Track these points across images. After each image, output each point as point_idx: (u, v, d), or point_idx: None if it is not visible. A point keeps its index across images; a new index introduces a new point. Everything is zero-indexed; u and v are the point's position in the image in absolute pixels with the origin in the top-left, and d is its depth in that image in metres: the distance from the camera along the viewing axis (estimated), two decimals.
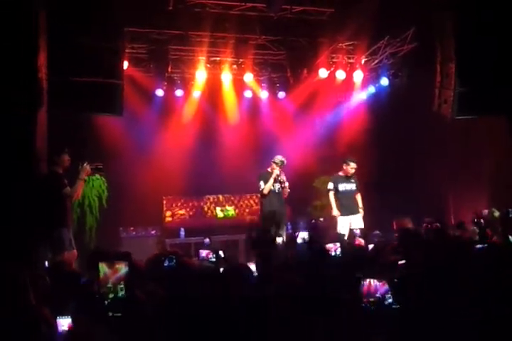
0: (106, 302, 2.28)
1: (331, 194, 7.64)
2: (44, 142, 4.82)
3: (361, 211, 7.65)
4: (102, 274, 2.31)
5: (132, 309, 2.24)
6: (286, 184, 7.18)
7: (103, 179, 8.90)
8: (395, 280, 2.55)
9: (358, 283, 2.48)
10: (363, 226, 7.55)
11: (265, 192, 7.13)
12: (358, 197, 7.78)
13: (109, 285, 2.31)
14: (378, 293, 2.44)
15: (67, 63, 5.10)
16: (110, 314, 2.23)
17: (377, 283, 2.45)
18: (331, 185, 7.67)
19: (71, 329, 2.58)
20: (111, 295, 2.29)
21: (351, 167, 7.58)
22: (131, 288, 2.34)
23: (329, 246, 4.54)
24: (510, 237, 4.32)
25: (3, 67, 4.31)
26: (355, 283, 2.50)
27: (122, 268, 2.34)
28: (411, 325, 2.28)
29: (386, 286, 2.45)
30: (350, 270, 3.22)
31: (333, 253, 4.43)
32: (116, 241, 8.81)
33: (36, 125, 4.50)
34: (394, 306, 2.44)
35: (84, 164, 5.57)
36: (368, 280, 2.46)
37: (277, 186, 7.17)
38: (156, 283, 2.96)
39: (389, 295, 2.42)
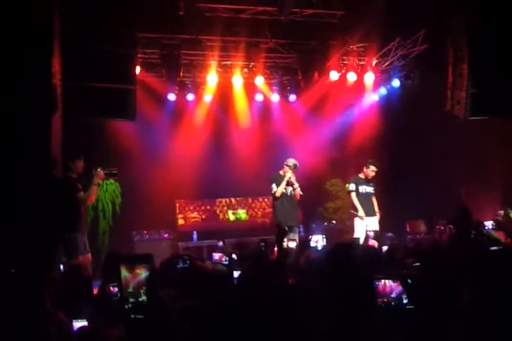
0: (127, 306, 2.27)
1: (353, 195, 7.60)
2: (59, 147, 4.86)
3: (378, 214, 7.63)
4: (123, 278, 2.30)
5: (155, 312, 2.24)
6: (297, 185, 7.16)
7: (117, 184, 8.98)
8: (409, 280, 2.54)
9: (371, 284, 2.47)
10: (378, 228, 7.50)
11: (277, 195, 7.11)
12: (374, 200, 7.77)
13: (130, 289, 2.31)
14: (393, 293, 2.43)
15: (80, 69, 5.14)
16: (132, 316, 2.23)
17: (392, 284, 2.45)
18: (352, 186, 7.65)
19: (86, 331, 2.60)
20: (132, 300, 2.29)
21: (371, 170, 7.60)
22: (154, 292, 2.33)
23: None
24: None
25: (17, 72, 4.36)
26: (369, 283, 2.48)
27: (143, 273, 2.33)
28: (426, 325, 2.27)
29: (401, 287, 2.44)
30: (365, 271, 3.22)
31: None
32: (130, 245, 8.86)
33: (51, 130, 4.55)
34: (408, 307, 2.43)
35: (98, 169, 5.61)
36: (382, 280, 2.46)
37: (290, 189, 7.15)
38: (170, 285, 2.98)
39: (404, 296, 2.41)
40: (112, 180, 8.84)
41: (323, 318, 2.32)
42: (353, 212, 7.64)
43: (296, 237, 7.07)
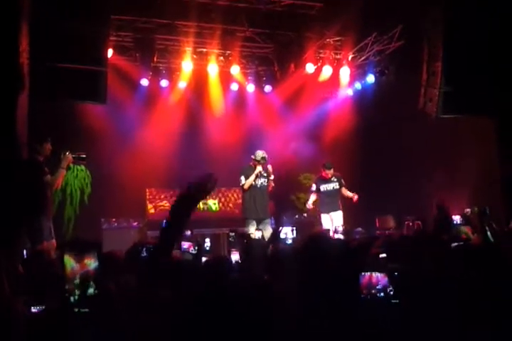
0: (72, 299, 2.14)
1: (312, 194, 8.09)
2: (25, 128, 4.71)
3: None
4: (68, 268, 2.17)
5: (101, 305, 2.13)
6: (272, 177, 7.13)
7: (88, 173, 8.82)
8: (395, 273, 2.52)
9: (356, 276, 2.44)
10: (342, 222, 7.68)
11: (245, 187, 7.06)
12: (345, 192, 8.05)
13: (77, 281, 2.17)
14: (380, 284, 2.41)
15: (50, 49, 5.00)
16: (76, 310, 2.10)
17: (379, 275, 2.43)
18: (313, 187, 8.07)
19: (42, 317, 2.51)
20: (77, 292, 2.15)
21: (327, 172, 7.93)
22: (102, 284, 2.22)
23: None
24: (488, 234, 4.34)
25: None
26: (353, 275, 2.45)
27: (92, 263, 2.20)
28: (410, 318, 2.27)
29: (387, 279, 2.42)
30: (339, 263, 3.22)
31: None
32: (97, 233, 8.70)
33: (16, 110, 4.40)
34: (394, 301, 2.41)
35: (67, 153, 5.46)
36: (368, 272, 2.43)
37: (260, 181, 7.10)
38: (132, 274, 2.91)
39: (390, 288, 2.39)
40: (82, 167, 8.68)
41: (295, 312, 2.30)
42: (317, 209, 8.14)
43: (268, 229, 7.00)
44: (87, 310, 2.08)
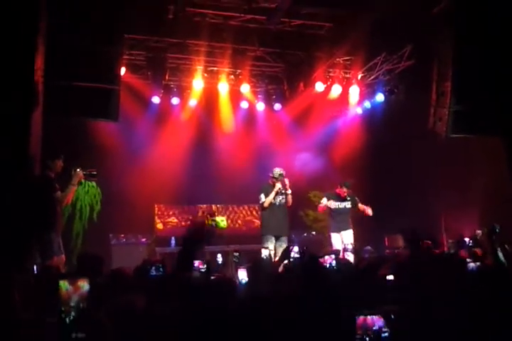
0: (68, 320, 2.17)
1: (321, 205, 7.80)
2: (38, 145, 4.78)
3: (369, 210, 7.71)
4: (64, 291, 2.20)
5: (95, 329, 2.14)
6: (289, 191, 7.12)
7: (99, 190, 8.88)
8: (392, 316, 2.49)
9: (351, 318, 2.43)
10: (352, 241, 7.55)
11: (266, 205, 7.08)
12: (361, 207, 7.78)
13: (72, 303, 2.21)
14: (376, 325, 2.39)
15: (64, 67, 5.09)
16: (74, 335, 2.12)
17: (374, 317, 2.40)
18: (324, 200, 7.78)
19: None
20: (74, 314, 2.18)
21: (344, 191, 7.67)
22: (93, 306, 2.25)
23: (325, 258, 4.48)
24: (499, 254, 4.30)
25: None
26: (348, 318, 2.44)
27: (85, 285, 2.24)
28: None
29: (382, 320, 2.40)
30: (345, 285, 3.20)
31: (327, 265, 4.39)
32: (106, 248, 8.71)
33: (31, 127, 4.47)
34: None
35: (78, 169, 5.52)
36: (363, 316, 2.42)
37: (278, 199, 7.13)
38: (140, 292, 2.90)
39: (386, 329, 2.37)
40: (93, 183, 8.74)
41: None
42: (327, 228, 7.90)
43: (284, 247, 6.97)
44: (83, 335, 2.10)
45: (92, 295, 2.27)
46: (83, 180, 5.86)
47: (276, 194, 7.05)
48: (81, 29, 5.19)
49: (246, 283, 3.96)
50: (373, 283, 3.58)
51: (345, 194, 7.71)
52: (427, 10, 6.89)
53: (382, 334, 2.35)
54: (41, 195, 5.06)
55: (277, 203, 7.12)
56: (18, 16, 4.45)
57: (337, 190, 7.77)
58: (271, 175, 7.14)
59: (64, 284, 2.20)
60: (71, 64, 5.14)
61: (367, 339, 2.35)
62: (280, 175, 7.07)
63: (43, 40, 4.79)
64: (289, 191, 7.12)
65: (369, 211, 7.66)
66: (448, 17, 6.62)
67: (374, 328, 2.38)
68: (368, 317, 2.37)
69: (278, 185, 7.03)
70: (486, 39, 6.30)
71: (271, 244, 6.91)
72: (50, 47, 4.86)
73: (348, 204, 7.77)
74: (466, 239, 7.12)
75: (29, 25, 4.48)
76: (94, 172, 5.62)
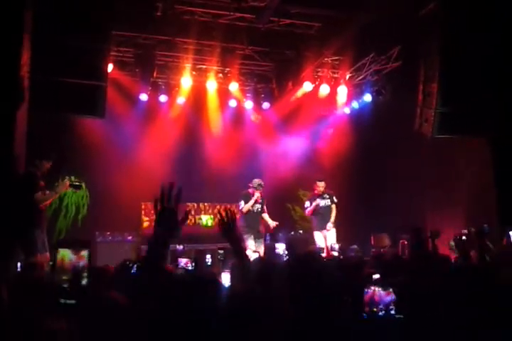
0: (64, 287, 2.18)
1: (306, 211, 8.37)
2: (23, 141, 4.74)
3: (331, 225, 8.15)
4: (66, 260, 2.22)
5: (92, 297, 2.15)
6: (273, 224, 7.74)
7: (87, 193, 8.88)
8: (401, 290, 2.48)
9: (360, 291, 2.42)
10: (335, 241, 7.85)
11: (244, 210, 7.67)
12: (333, 211, 8.24)
13: (69, 273, 2.23)
14: (382, 302, 2.38)
15: (51, 63, 5.05)
16: (62, 301, 2.13)
17: (382, 292, 2.39)
18: (307, 204, 8.31)
19: None
20: (67, 283, 2.20)
21: (320, 186, 8.21)
22: (92, 276, 2.26)
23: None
24: (485, 254, 4.34)
25: None
26: (357, 289, 2.43)
27: (87, 255, 2.27)
28: (413, 336, 2.24)
29: (391, 296, 2.39)
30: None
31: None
32: (92, 245, 8.64)
33: (15, 122, 4.43)
34: (398, 316, 2.36)
35: (65, 179, 5.53)
36: (372, 288, 2.40)
37: (256, 207, 7.72)
38: (120, 290, 2.88)
39: (392, 305, 2.36)
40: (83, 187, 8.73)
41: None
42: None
43: (261, 248, 7.50)
44: (73, 301, 2.10)
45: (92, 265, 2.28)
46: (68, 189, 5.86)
47: (255, 202, 7.67)
48: (68, 24, 5.15)
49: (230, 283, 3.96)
50: (359, 281, 3.60)
51: (321, 190, 8.18)
52: (415, 12, 6.95)
53: (389, 312, 2.33)
54: (25, 192, 5.02)
55: (254, 211, 7.74)
56: (3, 11, 4.41)
57: (315, 191, 8.28)
58: (250, 184, 7.70)
59: (67, 254, 2.21)
60: (58, 60, 5.11)
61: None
62: (259, 185, 7.63)
63: (29, 36, 4.75)
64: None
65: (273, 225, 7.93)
66: (435, 19, 6.68)
67: (380, 306, 2.35)
68: (376, 292, 2.34)
69: (257, 194, 7.63)
70: (472, 41, 6.37)
71: (251, 241, 7.50)
72: (36, 42, 4.83)
73: (327, 202, 8.21)
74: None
75: (15, 20, 4.44)
76: (80, 184, 5.67)
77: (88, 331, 2.00)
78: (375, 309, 2.38)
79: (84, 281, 2.19)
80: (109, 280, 3.12)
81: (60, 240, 3.81)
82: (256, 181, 7.67)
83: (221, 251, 5.68)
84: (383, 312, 2.38)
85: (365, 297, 2.39)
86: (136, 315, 2.17)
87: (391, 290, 2.37)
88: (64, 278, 2.22)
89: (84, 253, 2.25)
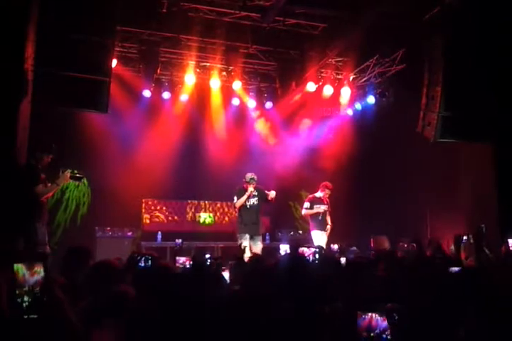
0: (24, 305, 2.17)
1: (304, 211, 8.46)
2: (25, 133, 4.75)
3: (329, 227, 8.31)
4: (20, 275, 2.20)
5: (50, 311, 2.14)
6: (273, 193, 7.45)
7: (89, 190, 8.88)
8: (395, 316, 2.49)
9: (355, 317, 2.43)
10: (325, 241, 8.06)
11: (237, 206, 7.54)
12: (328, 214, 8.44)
13: (26, 288, 2.21)
14: (378, 328, 2.39)
15: (55, 56, 5.05)
16: (26, 316, 2.12)
17: (379, 318, 2.40)
18: (307, 205, 8.38)
19: None
20: (27, 298, 2.19)
21: (327, 193, 8.38)
22: (49, 290, 2.25)
23: (305, 250, 4.51)
24: (483, 255, 4.35)
25: None
26: (352, 316, 2.44)
27: (41, 271, 2.24)
28: None
29: (386, 322, 2.39)
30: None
31: (310, 259, 4.41)
32: (91, 240, 8.66)
33: (18, 115, 4.44)
34: None
35: (66, 171, 5.50)
36: (369, 314, 2.41)
37: (251, 201, 7.54)
38: (129, 283, 2.89)
39: (387, 332, 2.37)
40: (85, 181, 8.73)
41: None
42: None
43: (258, 245, 7.36)
44: (35, 316, 2.10)
45: (47, 281, 2.27)
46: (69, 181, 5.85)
47: (249, 197, 7.49)
48: (74, 18, 5.15)
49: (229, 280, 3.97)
50: (360, 280, 3.59)
51: (327, 197, 8.35)
52: (420, 15, 6.95)
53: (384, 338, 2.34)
54: (26, 185, 5.02)
55: (248, 206, 7.54)
56: (9, 3, 4.41)
57: (321, 192, 8.37)
58: (244, 179, 7.57)
59: (21, 268, 2.20)
60: (62, 53, 5.10)
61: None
62: (251, 179, 7.50)
63: (34, 29, 4.76)
64: (273, 193, 7.45)
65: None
66: (440, 23, 6.68)
67: (377, 331, 2.36)
68: (373, 317, 2.35)
69: (250, 189, 7.47)
70: (477, 46, 6.37)
71: (245, 241, 7.27)
72: (41, 36, 4.83)
73: (326, 208, 8.36)
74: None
75: (20, 13, 4.45)
76: (80, 175, 5.65)
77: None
78: (372, 334, 2.40)
79: (38, 297, 2.17)
80: (115, 274, 3.12)
81: (15, 253, 3.74)
82: (248, 175, 7.56)
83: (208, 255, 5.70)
84: (379, 337, 2.40)
85: (362, 323, 2.41)
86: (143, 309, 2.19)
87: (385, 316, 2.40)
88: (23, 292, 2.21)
89: (38, 268, 2.22)
